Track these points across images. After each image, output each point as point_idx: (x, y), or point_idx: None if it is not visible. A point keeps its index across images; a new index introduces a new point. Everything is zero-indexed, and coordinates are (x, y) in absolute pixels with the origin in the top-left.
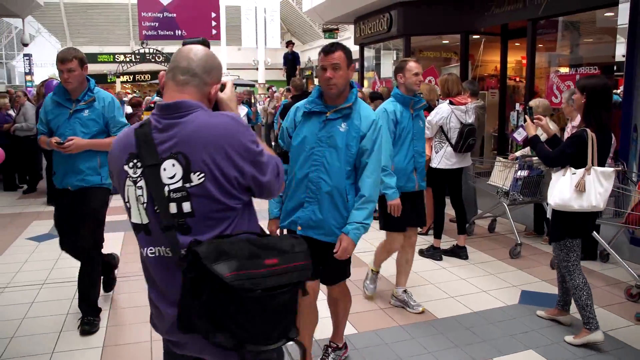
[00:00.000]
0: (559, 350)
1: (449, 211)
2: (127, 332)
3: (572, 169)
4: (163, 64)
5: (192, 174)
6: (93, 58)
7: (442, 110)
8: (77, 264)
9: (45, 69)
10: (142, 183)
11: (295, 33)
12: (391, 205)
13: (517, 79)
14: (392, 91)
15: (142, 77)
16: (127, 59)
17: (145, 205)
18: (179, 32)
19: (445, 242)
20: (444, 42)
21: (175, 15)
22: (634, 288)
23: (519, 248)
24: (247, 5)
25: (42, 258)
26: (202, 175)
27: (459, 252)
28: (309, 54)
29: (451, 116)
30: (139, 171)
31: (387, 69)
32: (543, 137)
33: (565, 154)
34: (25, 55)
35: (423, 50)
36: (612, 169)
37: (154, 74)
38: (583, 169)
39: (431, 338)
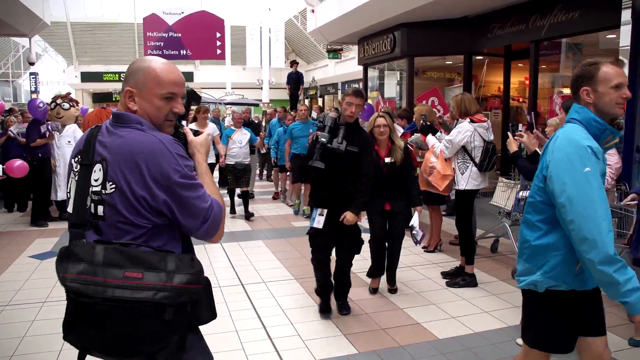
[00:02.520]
0: None
1: (453, 231)
2: None
3: None
4: None
5: (107, 182)
6: (99, 77)
7: (465, 129)
8: None
9: (51, 87)
10: (78, 178)
11: (300, 53)
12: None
13: (520, 100)
14: (572, 110)
15: None
16: None
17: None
18: (184, 51)
19: (446, 262)
20: (447, 62)
21: (180, 35)
22: None
23: None
24: (252, 25)
25: (44, 276)
26: (113, 186)
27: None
28: (314, 74)
29: (475, 134)
30: (78, 167)
31: (391, 89)
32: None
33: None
34: (31, 73)
35: (426, 71)
36: None
37: None
38: None
39: (432, 359)
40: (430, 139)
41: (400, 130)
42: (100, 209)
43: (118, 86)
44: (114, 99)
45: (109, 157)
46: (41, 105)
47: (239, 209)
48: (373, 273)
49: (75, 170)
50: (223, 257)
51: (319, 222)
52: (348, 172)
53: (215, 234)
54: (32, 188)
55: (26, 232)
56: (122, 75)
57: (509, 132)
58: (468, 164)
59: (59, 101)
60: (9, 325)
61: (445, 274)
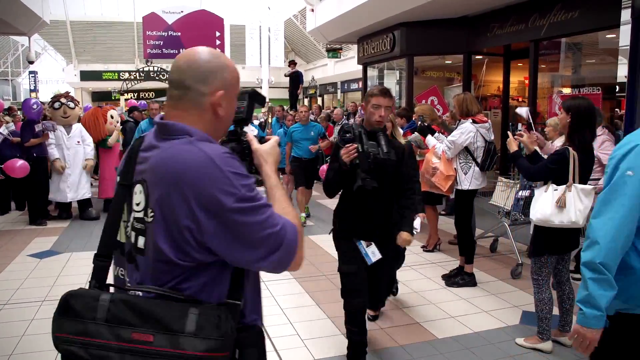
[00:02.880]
0: None
1: (452, 231)
2: None
3: (554, 185)
4: (167, 82)
5: (149, 208)
6: (98, 76)
7: (468, 130)
8: (78, 280)
9: (50, 86)
10: (114, 200)
11: (299, 52)
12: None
13: (520, 99)
14: None
15: (146, 94)
16: (132, 77)
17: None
18: (183, 50)
19: (445, 262)
20: (446, 62)
21: (179, 34)
22: None
23: (520, 268)
24: (251, 24)
25: (43, 275)
26: (153, 213)
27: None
28: (313, 73)
29: (477, 135)
30: (116, 188)
31: (390, 89)
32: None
33: (548, 168)
34: (30, 72)
35: (426, 70)
36: (591, 186)
37: (158, 92)
38: (564, 186)
39: (431, 358)
40: (430, 139)
41: (399, 130)
42: (142, 240)
43: (117, 85)
44: (113, 98)
45: (149, 177)
46: (35, 105)
47: None
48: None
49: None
50: None
51: (374, 253)
52: (392, 189)
53: (290, 263)
54: (29, 187)
55: (25, 230)
56: (121, 74)
57: (509, 132)
58: (470, 164)
59: (63, 100)
60: (8, 324)
61: (446, 277)
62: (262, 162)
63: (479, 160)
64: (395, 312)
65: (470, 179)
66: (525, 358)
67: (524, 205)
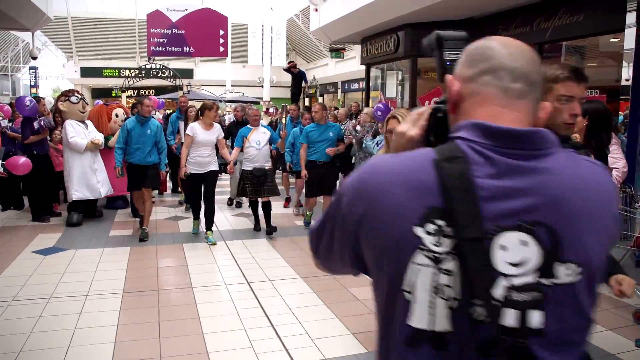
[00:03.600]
0: None
1: None
2: (136, 348)
3: None
4: (170, 79)
5: (559, 263)
6: (98, 72)
7: None
8: (84, 278)
9: (50, 82)
10: (451, 265)
11: (300, 51)
12: None
13: None
14: None
15: (147, 92)
16: (132, 74)
17: (452, 302)
18: (187, 48)
19: None
20: None
21: (183, 32)
22: None
23: None
24: (253, 23)
25: (48, 272)
26: (579, 269)
27: None
28: (314, 73)
29: None
30: (446, 243)
31: (393, 89)
32: None
33: None
34: (31, 68)
35: (428, 71)
36: None
37: (159, 90)
38: None
39: None
40: None
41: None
42: (536, 316)
43: (117, 82)
44: (113, 94)
45: (552, 218)
46: (29, 102)
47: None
48: None
49: (437, 249)
50: (228, 255)
51: None
52: None
53: None
54: (31, 185)
55: (27, 227)
56: (121, 71)
57: None
58: None
59: (79, 95)
60: (16, 320)
61: None
62: None
63: None
64: None
65: None
66: None
67: None
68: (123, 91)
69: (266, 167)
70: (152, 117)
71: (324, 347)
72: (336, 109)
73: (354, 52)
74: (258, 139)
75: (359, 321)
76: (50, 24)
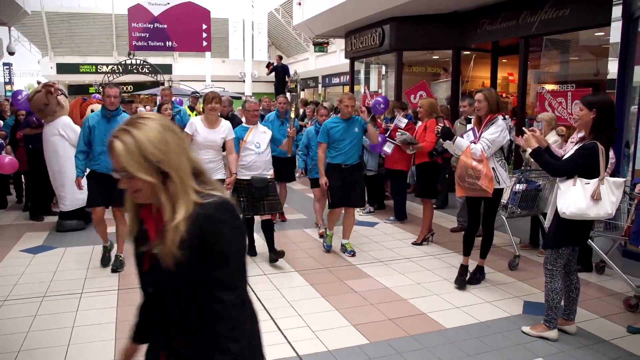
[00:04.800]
0: (567, 359)
1: (443, 222)
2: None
3: (584, 179)
4: (150, 75)
5: None
6: (75, 69)
7: (504, 127)
8: (77, 275)
9: (25, 79)
10: None
11: (280, 46)
12: None
13: (504, 95)
14: None
15: (125, 88)
16: (110, 70)
17: None
18: (170, 43)
19: (442, 254)
20: (434, 57)
21: (166, 26)
22: (633, 299)
23: (518, 260)
24: (234, 18)
25: (39, 270)
26: None
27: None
28: (295, 67)
29: (507, 131)
30: None
31: (377, 83)
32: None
33: (578, 164)
34: (5, 64)
35: (412, 65)
36: (622, 179)
37: (137, 86)
38: (597, 179)
39: (443, 347)
40: (462, 141)
41: (404, 122)
42: None
43: (95, 78)
44: (92, 91)
45: None
46: (20, 97)
47: (261, 246)
48: None
49: None
50: None
51: None
52: None
53: None
54: (29, 182)
55: (13, 226)
56: (99, 67)
57: (524, 128)
58: (504, 161)
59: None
60: (11, 320)
61: (470, 280)
62: None
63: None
64: (400, 302)
65: (506, 176)
66: (533, 346)
67: (521, 198)
68: (102, 87)
69: (268, 177)
70: (124, 111)
71: (326, 339)
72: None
73: (335, 46)
74: (257, 140)
75: (359, 313)
76: (23, 19)
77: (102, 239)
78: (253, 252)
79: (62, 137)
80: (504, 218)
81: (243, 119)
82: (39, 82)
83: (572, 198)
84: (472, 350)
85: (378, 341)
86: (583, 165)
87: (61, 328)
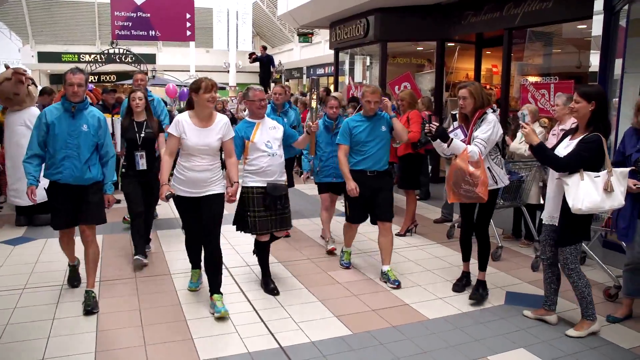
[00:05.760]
0: (548, 348)
1: (426, 213)
2: (119, 336)
3: (592, 173)
4: (134, 65)
5: None
6: (57, 57)
7: (495, 121)
8: (58, 267)
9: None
10: None
11: (265, 36)
12: None
13: (488, 87)
14: None
15: (108, 77)
16: (92, 59)
17: None
18: (153, 32)
19: (426, 245)
20: (418, 48)
21: (149, 15)
22: (613, 288)
23: (500, 251)
24: (219, 7)
25: (19, 262)
26: None
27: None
28: (279, 57)
29: (499, 126)
30: None
31: (361, 74)
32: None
33: (584, 158)
34: None
35: (396, 56)
36: (627, 169)
37: (121, 75)
38: (605, 172)
39: (425, 338)
40: (458, 144)
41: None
42: None
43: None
44: None
45: None
46: None
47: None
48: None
49: None
50: None
51: None
52: None
53: None
54: None
55: None
56: (81, 56)
57: (522, 122)
58: (500, 157)
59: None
60: None
61: (474, 297)
62: None
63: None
64: (383, 294)
65: (505, 174)
66: (514, 336)
67: (504, 190)
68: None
69: (283, 183)
70: (91, 104)
71: (309, 331)
72: (303, 94)
73: (320, 36)
74: (267, 138)
75: (341, 304)
76: (3, 5)
77: (67, 258)
78: (270, 284)
79: (28, 128)
80: None
81: (245, 113)
82: (7, 66)
83: (585, 193)
84: (454, 340)
85: (361, 332)
86: (588, 159)
87: (41, 320)
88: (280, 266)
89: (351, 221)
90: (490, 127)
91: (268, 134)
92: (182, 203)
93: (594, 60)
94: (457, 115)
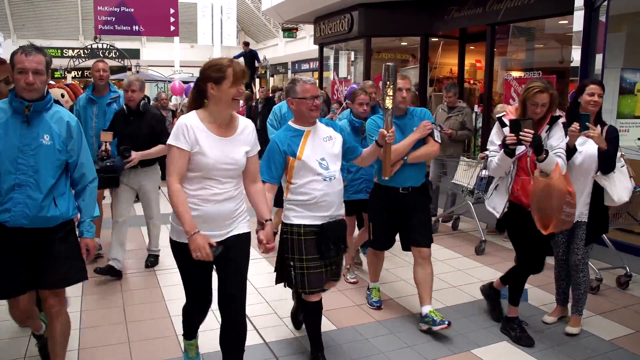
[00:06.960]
0: None
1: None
2: (103, 333)
3: (620, 163)
4: (117, 60)
5: None
6: None
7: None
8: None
9: None
10: None
11: (249, 31)
12: None
13: (472, 82)
14: None
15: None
16: (76, 54)
17: None
18: (137, 27)
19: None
20: (402, 44)
21: (132, 10)
22: (594, 281)
23: (484, 245)
24: (203, 2)
25: None
26: None
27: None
28: (264, 53)
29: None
30: None
31: (346, 70)
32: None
33: (615, 151)
34: None
35: (380, 52)
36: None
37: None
38: (622, 160)
39: (409, 332)
40: (554, 158)
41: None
42: None
43: (60, 63)
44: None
45: None
46: None
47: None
48: None
49: None
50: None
51: None
52: None
53: None
54: None
55: None
56: (65, 51)
57: (588, 124)
58: None
59: None
60: None
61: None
62: None
63: None
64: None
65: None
66: (498, 329)
67: (487, 183)
68: (68, 72)
69: (341, 215)
70: (60, 102)
71: (293, 326)
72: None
73: (304, 32)
74: (321, 154)
75: (326, 299)
76: None
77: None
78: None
79: None
80: (470, 203)
81: (288, 108)
82: None
83: (621, 184)
84: (438, 334)
85: (345, 327)
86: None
87: (19, 337)
88: (265, 262)
89: (375, 248)
90: (563, 132)
91: (322, 148)
92: (187, 251)
93: (576, 56)
94: (507, 116)
